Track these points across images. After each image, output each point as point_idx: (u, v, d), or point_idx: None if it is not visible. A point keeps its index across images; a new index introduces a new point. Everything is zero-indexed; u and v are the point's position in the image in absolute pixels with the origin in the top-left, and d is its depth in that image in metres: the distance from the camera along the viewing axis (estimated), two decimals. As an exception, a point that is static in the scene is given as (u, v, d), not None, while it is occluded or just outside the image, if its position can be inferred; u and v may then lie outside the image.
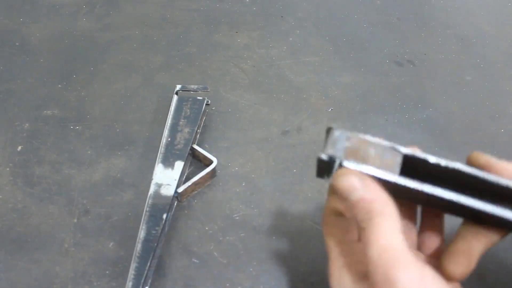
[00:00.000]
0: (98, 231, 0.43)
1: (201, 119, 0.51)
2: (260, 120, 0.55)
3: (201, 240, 0.43)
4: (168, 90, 0.56)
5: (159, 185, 0.44)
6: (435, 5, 0.77)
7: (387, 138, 0.51)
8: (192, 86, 0.54)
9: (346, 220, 0.31)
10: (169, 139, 0.48)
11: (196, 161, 0.49)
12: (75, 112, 0.53)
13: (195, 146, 0.49)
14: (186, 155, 0.47)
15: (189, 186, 0.45)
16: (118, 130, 0.52)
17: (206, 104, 0.52)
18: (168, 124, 0.49)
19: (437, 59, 0.66)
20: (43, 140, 0.50)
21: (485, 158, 0.32)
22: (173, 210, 0.45)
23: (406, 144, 0.51)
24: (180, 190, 0.44)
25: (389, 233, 0.25)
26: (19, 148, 0.49)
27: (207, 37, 0.65)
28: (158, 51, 0.62)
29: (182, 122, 0.50)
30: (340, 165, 0.28)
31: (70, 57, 0.61)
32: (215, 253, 0.42)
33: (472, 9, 0.77)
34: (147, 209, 0.42)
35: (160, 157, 0.47)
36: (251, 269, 0.41)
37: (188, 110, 0.51)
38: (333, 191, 0.30)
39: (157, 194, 0.44)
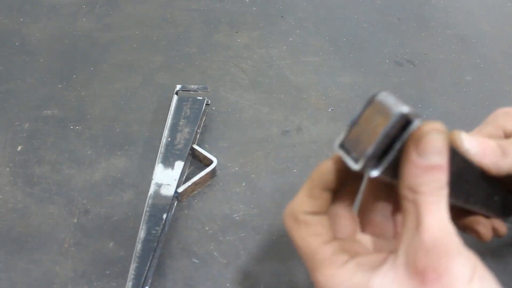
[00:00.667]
0: (98, 231, 0.43)
1: (201, 119, 0.51)
2: (260, 120, 0.55)
3: (201, 240, 0.43)
4: (168, 90, 0.56)
5: (159, 185, 0.44)
6: (435, 5, 0.77)
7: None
8: (192, 86, 0.54)
9: (337, 215, 0.28)
10: (169, 139, 0.48)
11: (196, 161, 0.49)
12: (75, 112, 0.53)
13: (195, 146, 0.49)
14: (186, 155, 0.47)
15: (189, 186, 0.45)
16: (118, 130, 0.52)
17: (206, 104, 0.52)
18: (168, 124, 0.49)
19: (437, 59, 0.66)
20: (43, 140, 0.50)
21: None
22: (173, 210, 0.45)
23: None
24: (180, 190, 0.44)
25: (445, 217, 0.22)
26: (19, 148, 0.49)
27: (207, 37, 0.65)
28: (158, 51, 0.62)
29: (182, 122, 0.50)
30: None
31: (70, 57, 0.60)
32: (215, 253, 0.42)
33: (472, 9, 0.77)
34: (147, 209, 0.42)
35: (160, 157, 0.47)
36: (251, 269, 0.41)
37: (188, 110, 0.51)
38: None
39: (157, 194, 0.44)
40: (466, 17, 0.75)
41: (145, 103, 0.55)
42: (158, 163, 0.46)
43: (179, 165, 0.46)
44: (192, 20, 0.68)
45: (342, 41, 0.67)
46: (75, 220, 0.44)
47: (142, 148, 0.50)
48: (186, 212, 0.45)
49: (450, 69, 0.64)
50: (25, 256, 0.41)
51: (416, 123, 0.22)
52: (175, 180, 0.45)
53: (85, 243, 0.42)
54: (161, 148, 0.47)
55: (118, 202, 0.45)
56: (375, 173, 0.23)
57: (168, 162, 0.46)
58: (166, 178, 0.45)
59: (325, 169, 0.29)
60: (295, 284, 0.41)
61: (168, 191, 0.44)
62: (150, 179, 0.45)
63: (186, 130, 0.49)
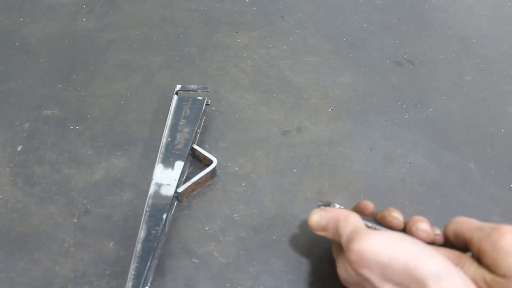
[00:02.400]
0: (98, 231, 0.43)
1: (201, 119, 0.51)
2: (260, 120, 0.55)
3: (201, 240, 0.43)
4: (168, 90, 0.56)
5: (159, 185, 0.44)
6: (435, 5, 0.77)
7: (387, 138, 0.51)
8: (192, 86, 0.54)
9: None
10: (169, 139, 0.48)
11: (196, 161, 0.49)
12: (75, 112, 0.53)
13: (195, 146, 0.49)
14: (186, 155, 0.47)
15: (189, 186, 0.45)
16: (118, 130, 0.52)
17: (206, 104, 0.52)
18: (168, 124, 0.49)
19: (437, 59, 0.66)
20: (43, 140, 0.50)
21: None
22: (173, 210, 0.45)
23: (406, 144, 0.51)
24: (180, 190, 0.44)
25: (356, 221, 0.36)
26: (19, 148, 0.49)
27: (207, 37, 0.65)
28: (158, 51, 0.62)
29: (182, 122, 0.50)
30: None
31: (70, 57, 0.61)
32: (215, 253, 0.42)
33: (472, 9, 0.77)
34: (147, 209, 0.42)
35: (160, 157, 0.47)
36: (251, 269, 0.41)
37: (188, 110, 0.51)
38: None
39: (157, 194, 0.44)
40: (466, 17, 0.75)
41: (145, 103, 0.55)
42: (158, 163, 0.46)
43: (179, 165, 0.46)
44: (192, 20, 0.68)
45: (342, 41, 0.67)
46: (75, 220, 0.44)
47: (142, 148, 0.50)
48: (186, 212, 0.45)
49: (450, 69, 0.64)
50: (25, 256, 0.41)
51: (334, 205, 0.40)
52: (175, 180, 0.45)
53: (85, 243, 0.42)
54: (161, 148, 0.47)
55: (118, 202, 0.45)
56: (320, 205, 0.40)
57: (168, 162, 0.46)
58: (166, 178, 0.45)
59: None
60: (295, 284, 0.41)
61: (168, 191, 0.44)
62: (150, 179, 0.45)
63: (186, 130, 0.49)
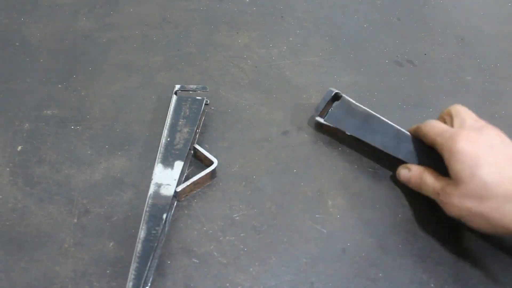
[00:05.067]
0: (98, 231, 0.43)
1: (200, 119, 0.51)
2: (260, 120, 0.55)
3: (201, 240, 0.43)
4: (168, 90, 0.56)
5: (158, 185, 0.44)
6: (435, 5, 0.77)
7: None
8: (191, 86, 0.54)
9: None
10: (168, 139, 0.48)
11: (197, 161, 0.49)
12: (75, 112, 0.53)
13: (197, 146, 0.49)
14: (186, 154, 0.47)
15: (187, 185, 0.45)
16: (118, 130, 0.52)
17: (205, 104, 0.52)
18: (168, 124, 0.49)
19: (437, 59, 0.66)
20: (43, 140, 0.50)
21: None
22: (173, 210, 0.45)
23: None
24: (178, 189, 0.44)
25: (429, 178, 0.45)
26: (19, 148, 0.49)
27: (207, 37, 0.65)
28: (158, 51, 0.62)
29: (181, 122, 0.50)
30: None
31: (70, 57, 0.60)
32: (215, 253, 0.42)
33: (472, 9, 0.77)
34: (147, 209, 0.42)
35: (160, 157, 0.47)
36: (251, 269, 0.41)
37: (187, 110, 0.51)
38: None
39: (157, 194, 0.44)
40: (466, 17, 0.75)
41: (145, 103, 0.55)
42: (157, 163, 0.46)
43: (178, 165, 0.46)
44: (192, 20, 0.68)
45: (342, 41, 0.67)
46: (75, 220, 0.44)
47: (142, 148, 0.50)
48: (186, 212, 0.45)
49: (450, 69, 0.64)
50: (25, 256, 0.41)
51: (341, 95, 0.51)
52: (175, 180, 0.45)
53: (85, 243, 0.42)
54: (161, 148, 0.47)
55: (118, 202, 0.45)
56: (320, 119, 0.52)
57: (167, 162, 0.46)
58: (166, 178, 0.45)
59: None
60: (295, 284, 0.41)
61: (168, 191, 0.44)
62: (150, 179, 0.45)
63: (186, 130, 0.49)
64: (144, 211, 0.42)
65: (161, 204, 0.43)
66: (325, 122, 0.51)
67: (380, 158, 0.51)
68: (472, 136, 0.40)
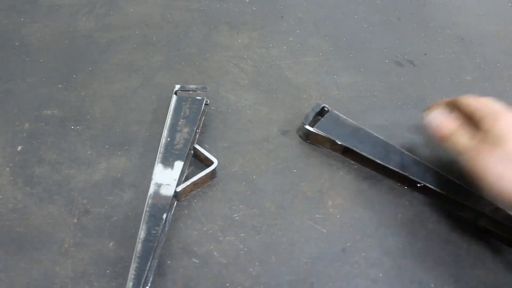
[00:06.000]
0: (98, 231, 0.43)
1: (200, 119, 0.51)
2: (260, 120, 0.55)
3: (201, 240, 0.43)
4: (167, 90, 0.56)
5: (158, 185, 0.44)
6: (435, 5, 0.77)
7: (387, 138, 0.51)
8: (191, 86, 0.54)
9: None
10: (168, 139, 0.48)
11: (197, 161, 0.49)
12: (75, 112, 0.53)
13: (197, 146, 0.49)
14: (186, 154, 0.47)
15: (187, 185, 0.45)
16: (118, 130, 0.52)
17: (205, 104, 0.52)
18: (168, 124, 0.49)
19: (437, 59, 0.66)
20: (43, 140, 0.50)
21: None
22: (173, 210, 0.45)
23: (406, 143, 0.51)
24: (178, 189, 0.44)
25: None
26: (19, 148, 0.49)
27: (207, 37, 0.65)
28: (158, 51, 0.62)
29: (181, 122, 0.50)
30: None
31: (70, 57, 0.60)
32: (215, 253, 0.42)
33: (472, 9, 0.77)
34: (147, 209, 0.42)
35: (160, 157, 0.47)
36: (251, 269, 0.41)
37: (187, 110, 0.51)
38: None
39: (157, 194, 0.44)
40: (466, 17, 0.75)
41: (144, 103, 0.55)
42: (157, 163, 0.46)
43: (178, 165, 0.46)
44: (192, 20, 0.68)
45: (342, 41, 0.67)
46: (75, 220, 0.44)
47: (142, 148, 0.50)
48: (186, 212, 0.45)
49: (450, 69, 0.64)
50: (25, 256, 0.41)
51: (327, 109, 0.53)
52: (175, 180, 0.45)
53: (85, 243, 0.42)
54: (161, 148, 0.47)
55: (118, 202, 0.45)
56: (310, 128, 0.51)
57: (167, 162, 0.46)
58: (166, 178, 0.45)
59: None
60: (295, 284, 0.41)
61: (168, 191, 0.44)
62: (150, 179, 0.45)
63: (185, 130, 0.49)
64: (144, 211, 0.42)
65: (161, 204, 0.43)
66: (314, 131, 0.51)
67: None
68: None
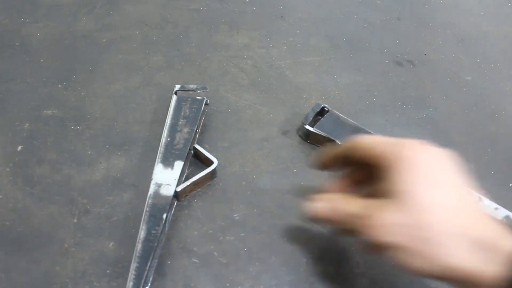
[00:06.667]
0: (98, 231, 0.43)
1: (200, 119, 0.51)
2: (260, 120, 0.55)
3: (201, 240, 0.43)
4: (167, 90, 0.56)
5: (159, 185, 0.44)
6: (435, 5, 0.77)
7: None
8: (191, 86, 0.54)
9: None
10: (168, 139, 0.48)
11: (197, 161, 0.49)
12: (75, 112, 0.53)
13: (197, 146, 0.49)
14: (186, 154, 0.47)
15: (187, 185, 0.45)
16: (118, 130, 0.52)
17: (205, 104, 0.52)
18: (168, 124, 0.49)
19: (437, 59, 0.66)
20: (43, 140, 0.50)
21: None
22: (173, 210, 0.45)
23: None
24: (178, 189, 0.44)
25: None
26: (19, 148, 0.49)
27: (207, 37, 0.65)
28: (158, 51, 0.62)
29: (181, 122, 0.50)
30: None
31: (70, 57, 0.60)
32: (215, 253, 0.42)
33: (472, 9, 0.77)
34: (147, 209, 0.42)
35: (160, 157, 0.47)
36: (251, 269, 0.41)
37: (187, 110, 0.51)
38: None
39: (157, 194, 0.44)
40: (466, 17, 0.75)
41: (145, 103, 0.55)
42: (157, 163, 0.46)
43: (178, 165, 0.46)
44: (192, 20, 0.68)
45: (342, 41, 0.67)
46: (75, 220, 0.44)
47: (142, 148, 0.50)
48: (186, 212, 0.45)
49: (450, 69, 0.64)
50: (25, 256, 0.41)
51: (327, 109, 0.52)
52: (175, 180, 0.45)
53: (85, 243, 0.42)
54: (161, 148, 0.47)
55: (118, 202, 0.45)
56: (310, 128, 0.51)
57: (167, 162, 0.46)
58: (166, 178, 0.45)
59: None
60: (295, 284, 0.41)
61: (168, 191, 0.44)
62: (150, 179, 0.45)
63: (185, 130, 0.49)
64: (144, 211, 0.42)
65: (161, 204, 0.43)
66: (314, 131, 0.51)
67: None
68: (428, 150, 0.32)
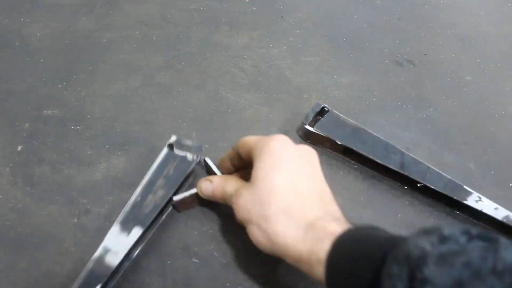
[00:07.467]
0: (98, 231, 0.43)
1: (187, 179, 0.46)
2: (260, 120, 0.55)
3: (201, 240, 0.43)
4: (168, 90, 0.56)
5: (106, 250, 0.39)
6: (435, 5, 0.77)
7: (387, 138, 0.51)
8: (187, 142, 0.46)
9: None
10: (138, 199, 0.43)
11: (206, 173, 0.47)
12: (75, 112, 0.53)
13: (208, 160, 0.45)
14: (149, 223, 0.42)
15: (186, 196, 0.43)
16: (118, 130, 0.52)
17: (198, 160, 0.46)
18: (144, 181, 0.44)
19: (437, 59, 0.66)
20: (43, 140, 0.50)
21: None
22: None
23: (406, 144, 0.51)
24: (176, 198, 0.43)
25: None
26: (19, 148, 0.49)
27: (207, 37, 0.65)
28: (158, 51, 0.62)
29: (160, 182, 0.44)
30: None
31: (70, 57, 0.60)
32: (215, 253, 0.42)
33: (472, 9, 0.77)
34: (83, 274, 0.37)
35: (121, 217, 0.41)
36: (251, 269, 0.41)
37: (171, 170, 0.45)
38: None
39: (99, 260, 0.38)
40: (466, 17, 0.75)
41: (145, 103, 0.55)
42: (116, 223, 0.41)
43: (136, 232, 0.40)
44: (192, 20, 0.68)
45: (342, 41, 0.67)
46: (75, 220, 0.44)
47: (142, 148, 0.50)
48: (186, 212, 0.45)
49: (450, 69, 0.64)
50: (25, 256, 0.41)
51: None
52: (126, 249, 0.39)
53: (85, 243, 0.42)
54: (126, 207, 0.42)
55: (118, 202, 0.45)
56: (310, 128, 0.51)
57: (126, 226, 0.41)
58: (117, 244, 0.40)
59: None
60: (295, 284, 0.41)
61: (113, 260, 0.38)
62: (101, 240, 0.40)
63: (160, 193, 0.43)
64: (80, 276, 0.38)
65: (98, 273, 0.37)
66: (314, 131, 0.51)
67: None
68: (288, 143, 0.37)
